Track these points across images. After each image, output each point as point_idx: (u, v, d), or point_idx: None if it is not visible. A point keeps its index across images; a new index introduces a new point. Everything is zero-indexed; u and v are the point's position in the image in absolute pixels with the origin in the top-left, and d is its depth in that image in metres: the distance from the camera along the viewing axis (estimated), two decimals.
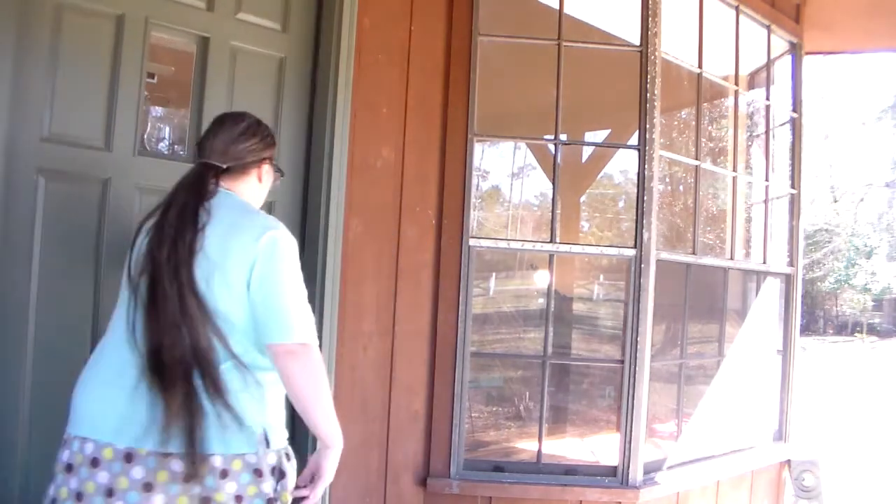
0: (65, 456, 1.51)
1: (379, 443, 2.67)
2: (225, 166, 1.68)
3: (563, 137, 2.98)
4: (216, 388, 1.47)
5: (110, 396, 1.51)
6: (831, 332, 23.00)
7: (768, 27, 3.59)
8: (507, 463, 2.90)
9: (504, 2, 3.23)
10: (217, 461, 1.48)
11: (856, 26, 3.99)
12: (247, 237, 1.58)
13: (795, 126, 3.78)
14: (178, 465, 1.46)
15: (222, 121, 1.76)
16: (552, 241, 2.88)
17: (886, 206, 23.11)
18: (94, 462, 1.47)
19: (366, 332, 2.65)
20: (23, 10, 1.93)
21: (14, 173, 1.93)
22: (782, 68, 3.84)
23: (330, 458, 1.64)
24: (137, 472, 1.46)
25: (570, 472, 2.85)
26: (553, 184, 3.12)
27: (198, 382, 1.47)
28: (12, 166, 1.92)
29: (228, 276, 1.55)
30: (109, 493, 1.45)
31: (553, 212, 2.95)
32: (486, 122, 2.83)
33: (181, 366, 1.46)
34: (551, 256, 2.96)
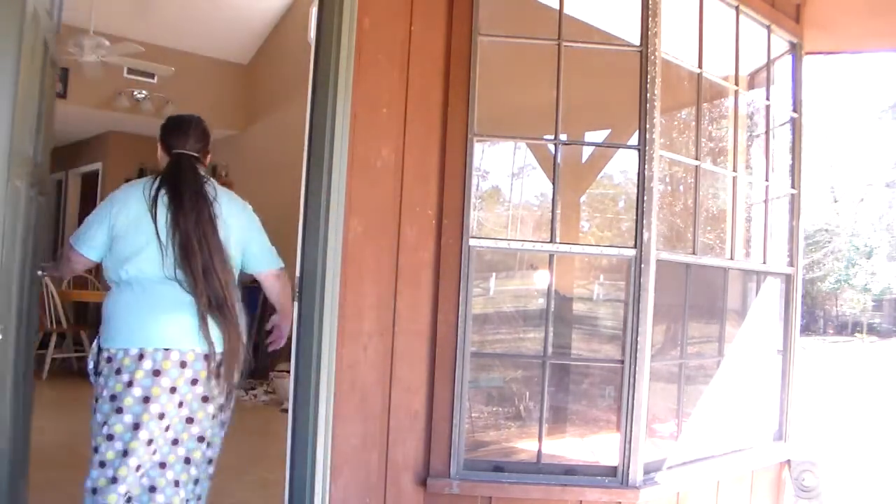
0: (146, 365, 2.12)
1: (379, 443, 2.67)
2: (197, 155, 2.39)
3: (563, 137, 2.97)
4: (233, 312, 2.26)
5: (180, 319, 2.17)
6: (831, 332, 22.97)
7: (768, 27, 3.58)
8: (507, 463, 2.90)
9: (504, 2, 3.23)
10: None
11: (856, 26, 3.99)
12: (240, 208, 2.40)
13: (795, 126, 3.78)
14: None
15: (189, 122, 2.40)
16: (552, 241, 2.88)
17: (886, 206, 23.04)
18: (183, 364, 2.17)
19: (366, 331, 2.65)
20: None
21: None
22: (782, 68, 3.83)
23: (286, 326, 2.60)
24: (212, 366, 2.21)
25: (570, 472, 2.85)
26: (553, 184, 3.11)
27: (227, 307, 2.23)
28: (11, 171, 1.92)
29: (236, 235, 2.33)
30: (194, 382, 2.20)
31: (553, 212, 2.94)
32: (486, 121, 2.83)
33: (219, 299, 2.20)
34: (551, 256, 2.96)
